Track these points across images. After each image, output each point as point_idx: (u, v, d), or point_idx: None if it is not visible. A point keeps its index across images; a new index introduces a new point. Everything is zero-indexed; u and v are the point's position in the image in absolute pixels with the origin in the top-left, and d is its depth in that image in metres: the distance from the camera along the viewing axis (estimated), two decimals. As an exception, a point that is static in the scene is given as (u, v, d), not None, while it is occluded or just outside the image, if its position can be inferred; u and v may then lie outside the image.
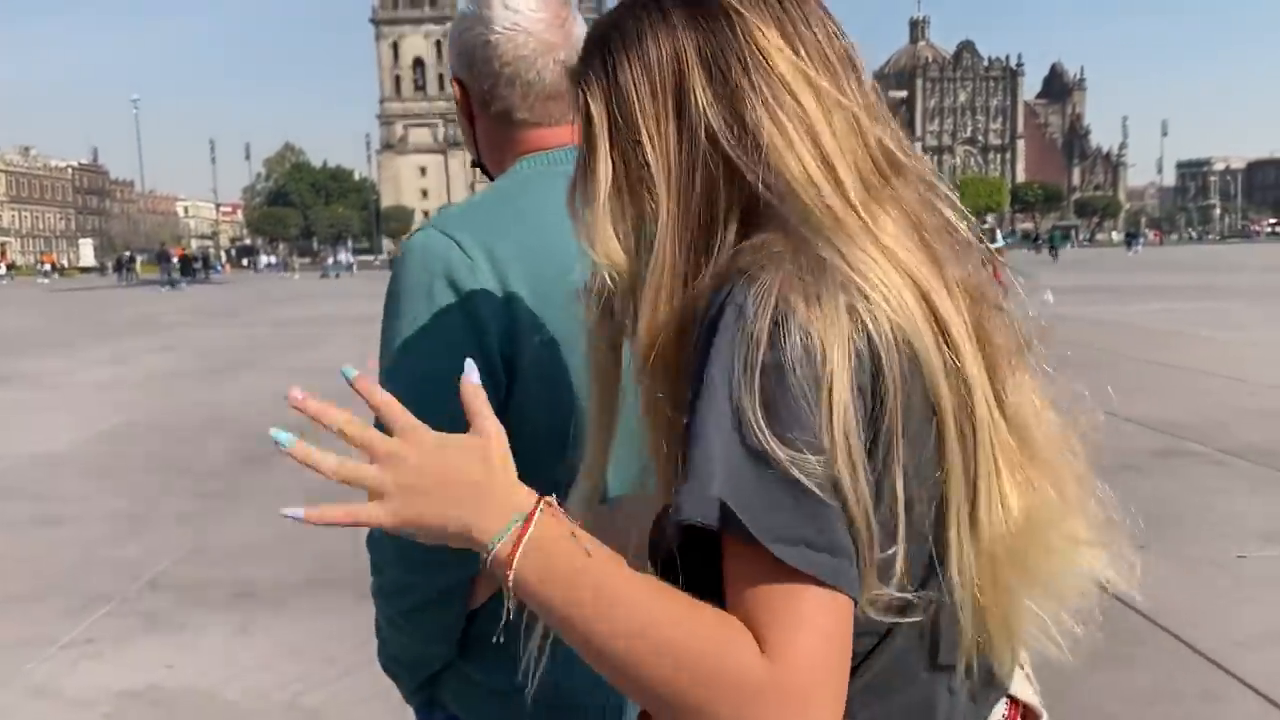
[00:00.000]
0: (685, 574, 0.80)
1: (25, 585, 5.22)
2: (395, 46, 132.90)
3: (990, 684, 0.96)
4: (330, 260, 61.31)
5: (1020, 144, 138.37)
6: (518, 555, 0.80)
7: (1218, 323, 15.98)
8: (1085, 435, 0.95)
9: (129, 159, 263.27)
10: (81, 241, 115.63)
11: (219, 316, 26.33)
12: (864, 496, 0.76)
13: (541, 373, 1.27)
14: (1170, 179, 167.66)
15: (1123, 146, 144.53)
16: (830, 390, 0.75)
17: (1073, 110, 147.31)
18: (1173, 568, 4.76)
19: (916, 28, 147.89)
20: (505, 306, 1.26)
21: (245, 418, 10.00)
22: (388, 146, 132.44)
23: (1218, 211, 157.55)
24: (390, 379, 1.25)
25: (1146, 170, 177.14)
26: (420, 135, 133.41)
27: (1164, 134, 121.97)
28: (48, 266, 77.61)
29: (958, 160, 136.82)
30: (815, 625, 0.74)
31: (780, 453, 0.74)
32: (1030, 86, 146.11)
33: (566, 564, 0.80)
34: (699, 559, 0.79)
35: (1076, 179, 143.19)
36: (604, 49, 0.90)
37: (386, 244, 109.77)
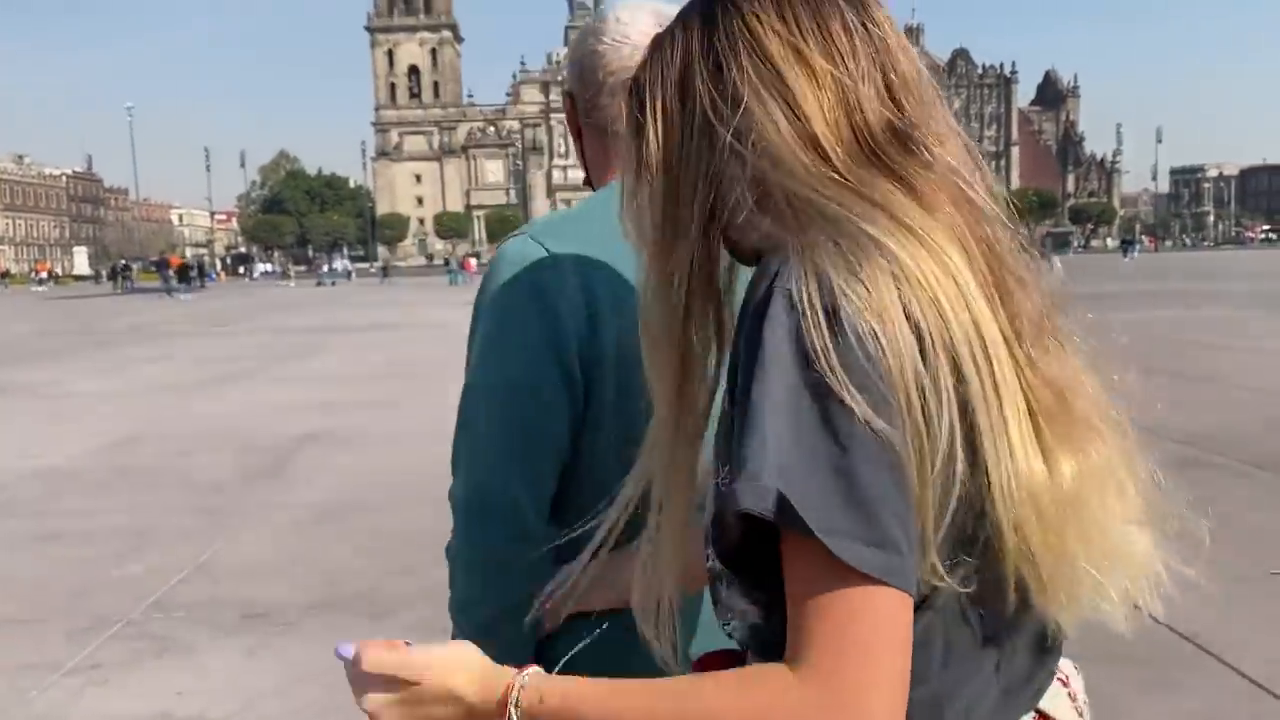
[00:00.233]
0: (745, 564, 0.82)
1: (26, 607, 5.07)
2: (390, 54, 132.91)
3: (1045, 652, 0.95)
4: (325, 268, 61.30)
5: (1015, 151, 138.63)
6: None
7: (1233, 331, 15.92)
8: (1135, 418, 0.94)
9: (123, 167, 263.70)
10: (75, 249, 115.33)
11: (216, 325, 26.20)
12: (928, 479, 0.77)
13: (620, 383, 1.28)
14: (1164, 186, 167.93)
15: (1117, 153, 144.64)
16: (893, 371, 0.76)
17: (1067, 117, 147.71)
18: (1210, 586, 4.63)
19: (911, 35, 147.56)
20: (587, 316, 1.27)
21: (246, 429, 9.88)
22: (383, 154, 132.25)
23: (1211, 218, 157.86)
24: (472, 382, 1.31)
25: (1140, 177, 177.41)
26: (415, 142, 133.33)
27: (1158, 140, 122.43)
28: (44, 275, 77.33)
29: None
30: (867, 622, 0.74)
31: (837, 444, 0.74)
32: (1024, 94, 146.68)
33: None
34: (761, 549, 0.79)
35: (1071, 186, 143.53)
36: (643, 58, 0.96)
37: (382, 251, 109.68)
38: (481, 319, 1.32)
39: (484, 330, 1.31)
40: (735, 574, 0.85)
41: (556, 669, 1.33)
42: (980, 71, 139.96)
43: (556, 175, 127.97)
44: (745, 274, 0.93)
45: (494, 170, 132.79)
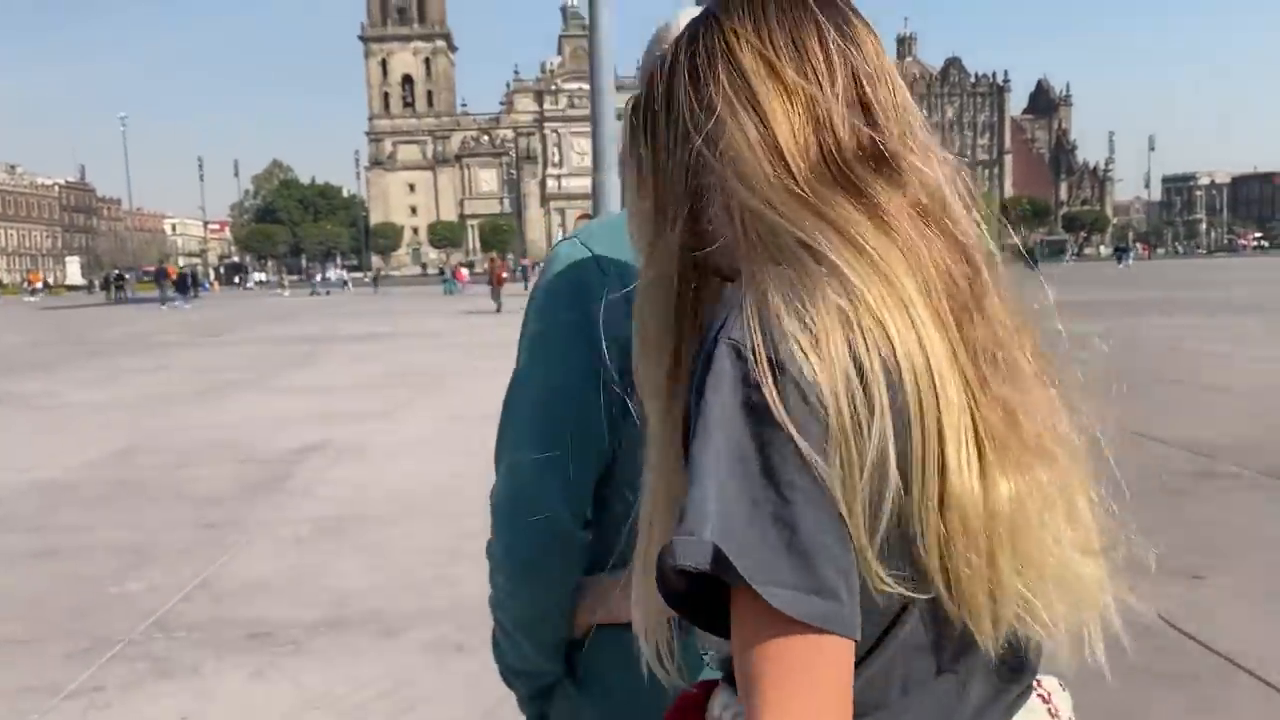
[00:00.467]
0: (701, 613, 0.81)
1: (25, 626, 4.92)
2: (384, 64, 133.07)
3: (1015, 671, 0.93)
4: (319, 277, 61.25)
5: (1008, 159, 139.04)
6: None
7: (1239, 339, 15.86)
8: (1109, 452, 0.92)
9: (116, 176, 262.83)
10: (68, 259, 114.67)
11: (211, 335, 26.04)
12: (866, 523, 0.76)
13: None
14: (1157, 194, 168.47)
15: (1109, 161, 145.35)
16: (833, 424, 0.76)
17: (1059, 125, 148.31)
18: (1240, 602, 4.54)
19: (904, 45, 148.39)
20: (626, 316, 1.21)
21: (245, 441, 9.75)
22: (376, 163, 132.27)
23: (1204, 226, 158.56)
24: (518, 384, 1.34)
25: (1133, 185, 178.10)
26: (409, 152, 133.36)
27: (1151, 149, 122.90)
28: (37, 285, 76.99)
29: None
30: (809, 670, 0.75)
31: (778, 494, 0.75)
32: (1017, 102, 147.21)
33: None
34: (715, 596, 0.79)
35: (1064, 194, 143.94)
36: (648, 76, 0.98)
37: (375, 260, 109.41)
38: (530, 317, 1.36)
39: (531, 328, 1.34)
40: (689, 619, 0.84)
41: (578, 678, 1.38)
42: (973, 80, 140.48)
43: (550, 184, 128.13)
44: None
45: (488, 179, 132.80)
